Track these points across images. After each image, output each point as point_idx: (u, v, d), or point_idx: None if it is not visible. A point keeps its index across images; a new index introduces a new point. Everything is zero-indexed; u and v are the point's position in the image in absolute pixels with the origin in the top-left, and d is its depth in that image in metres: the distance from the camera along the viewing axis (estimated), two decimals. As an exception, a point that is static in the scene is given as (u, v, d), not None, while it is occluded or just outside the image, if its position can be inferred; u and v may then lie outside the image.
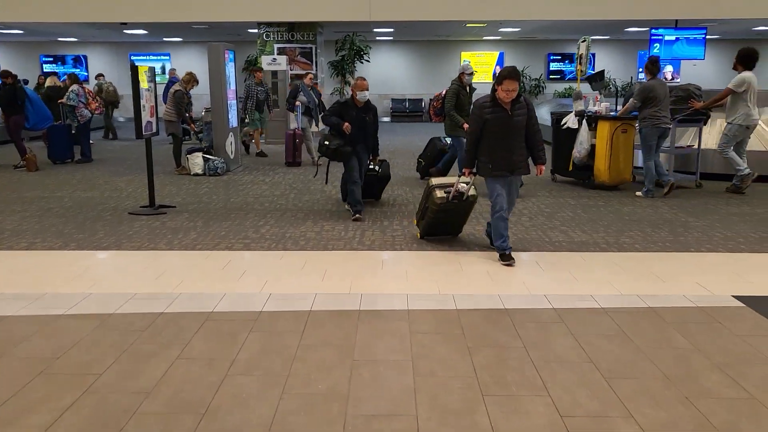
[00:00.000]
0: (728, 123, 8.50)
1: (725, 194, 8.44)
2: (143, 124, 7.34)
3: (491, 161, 5.16)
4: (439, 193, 5.65)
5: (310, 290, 4.61)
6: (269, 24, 15.76)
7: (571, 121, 9.05)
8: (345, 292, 4.56)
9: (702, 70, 21.76)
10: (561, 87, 23.60)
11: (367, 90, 7.04)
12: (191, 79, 10.64)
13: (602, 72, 10.16)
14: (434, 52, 22.76)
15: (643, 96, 8.15)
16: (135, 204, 7.88)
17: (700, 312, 4.11)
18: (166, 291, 4.61)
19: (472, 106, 5.34)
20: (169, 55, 23.39)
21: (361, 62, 17.15)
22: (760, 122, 9.15)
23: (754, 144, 9.54)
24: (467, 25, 17.02)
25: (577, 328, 3.85)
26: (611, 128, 8.59)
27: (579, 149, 8.80)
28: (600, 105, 9.21)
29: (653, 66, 8.45)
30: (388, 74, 22.52)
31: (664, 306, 4.20)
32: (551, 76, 23.69)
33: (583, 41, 10.68)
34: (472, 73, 8.68)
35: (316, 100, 11.51)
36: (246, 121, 12.69)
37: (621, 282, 4.72)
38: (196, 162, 10.14)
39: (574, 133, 8.97)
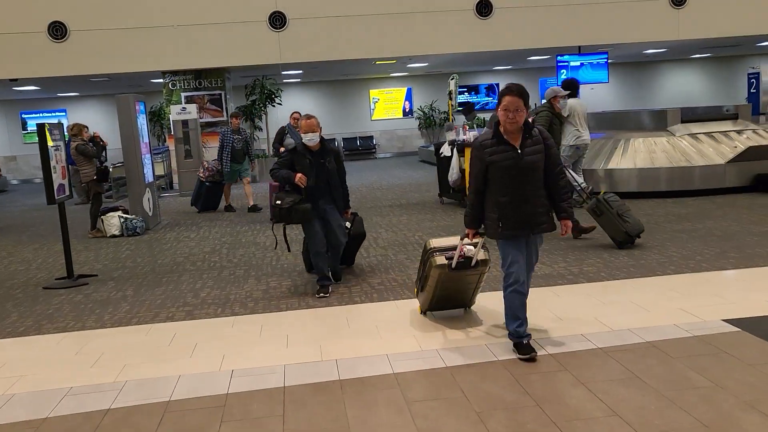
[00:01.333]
0: (562, 146, 8.60)
1: (663, 212, 8.53)
2: (55, 186, 6.60)
3: (501, 217, 3.87)
4: (440, 259, 4.37)
5: (277, 361, 4.09)
6: (175, 72, 15.09)
7: (446, 149, 10.21)
8: (317, 360, 4.08)
9: (600, 92, 22.66)
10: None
11: (316, 131, 5.48)
12: (81, 129, 9.96)
13: (472, 105, 10.99)
14: (343, 91, 22.64)
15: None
16: (49, 276, 7.05)
17: (700, 342, 3.90)
18: (107, 380, 3.97)
19: (472, 148, 4.04)
20: (65, 111, 22.08)
21: (273, 105, 16.71)
22: (654, 140, 10.01)
23: (642, 161, 9.87)
24: (376, 62, 16.97)
25: (584, 375, 3.54)
26: None
27: (452, 174, 9.81)
28: (468, 134, 10.07)
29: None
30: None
31: (662, 339, 3.97)
32: (458, 108, 24.09)
33: (452, 79, 12.50)
34: (565, 96, 7.69)
35: None
36: (224, 173, 11.24)
37: (606, 316, 4.48)
38: (113, 222, 9.33)
39: (450, 160, 9.98)
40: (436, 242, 4.55)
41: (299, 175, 5.40)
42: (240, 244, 8.20)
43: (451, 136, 10.29)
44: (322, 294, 5.53)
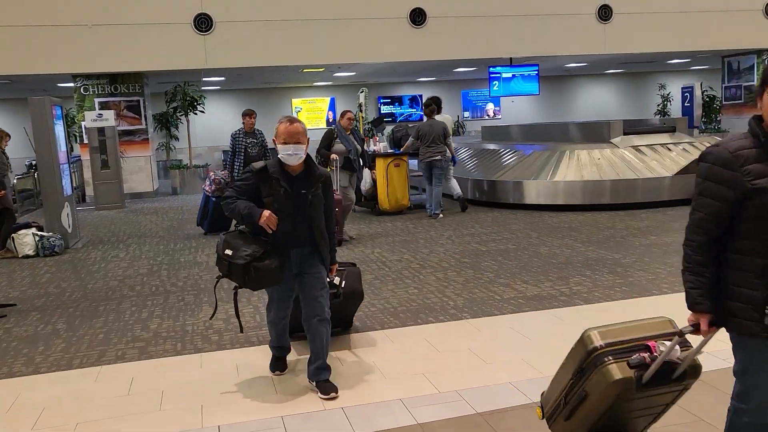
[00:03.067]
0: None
1: (622, 226, 8.38)
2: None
3: None
4: (619, 369, 2.44)
5: (271, 412, 3.44)
6: (87, 76, 13.88)
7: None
8: (319, 409, 3.45)
9: (522, 105, 22.95)
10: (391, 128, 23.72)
11: (302, 143, 3.53)
12: (3, 135, 8.83)
13: (382, 117, 11.24)
14: (265, 100, 21.78)
15: (414, 135, 10.06)
16: (-44, 308, 6.01)
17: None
18: (60, 445, 3.20)
19: (700, 162, 2.27)
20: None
21: (195, 113, 15.73)
22: (600, 153, 10.24)
23: (590, 173, 9.85)
24: (304, 70, 16.35)
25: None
26: (385, 164, 10.11)
27: (364, 183, 10.16)
28: (378, 145, 10.51)
29: (428, 108, 10.11)
30: (218, 125, 21.15)
31: (705, 371, 3.61)
32: (368, 120, 23.73)
33: (361, 92, 13.04)
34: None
35: (359, 148, 8.46)
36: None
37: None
38: (26, 241, 8.25)
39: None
40: (602, 335, 2.54)
41: (267, 212, 3.45)
42: (180, 264, 7.37)
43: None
44: (277, 373, 3.94)
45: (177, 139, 17.99)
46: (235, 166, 9.03)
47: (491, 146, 12.78)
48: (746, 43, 16.68)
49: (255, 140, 9.15)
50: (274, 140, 3.54)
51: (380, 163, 10.17)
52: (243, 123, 9.23)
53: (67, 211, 8.79)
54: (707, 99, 20.72)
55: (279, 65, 14.29)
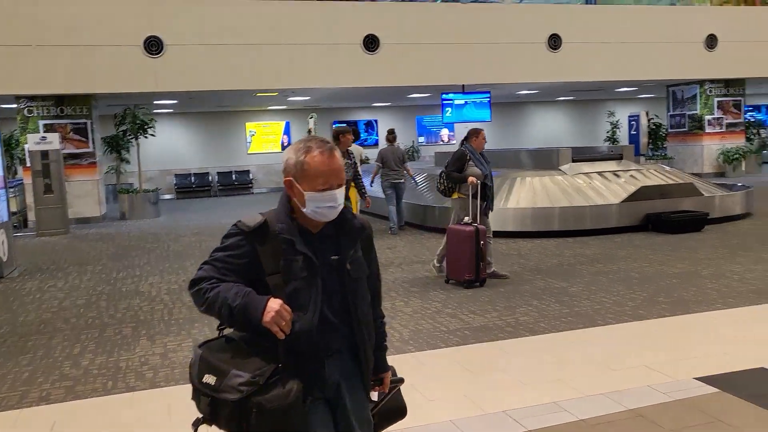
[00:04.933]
0: None
1: (570, 253, 8.43)
2: None
3: None
4: None
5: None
6: (32, 98, 13.49)
7: None
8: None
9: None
10: (350, 153, 23.70)
11: (343, 183, 2.12)
12: None
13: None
14: (218, 124, 21.56)
15: (378, 160, 11.07)
16: None
17: (686, 407, 3.55)
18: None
19: None
20: None
21: (146, 136, 15.41)
22: (550, 180, 10.41)
23: (541, 200, 9.94)
24: (257, 94, 16.23)
25: (580, 458, 3.06)
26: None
27: None
28: None
29: (389, 135, 11.40)
30: (170, 149, 20.80)
31: (644, 406, 3.58)
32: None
33: (311, 117, 13.61)
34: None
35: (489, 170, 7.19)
36: None
37: (572, 378, 4.05)
38: (-44, 271, 7.87)
39: None
40: None
41: (276, 302, 1.98)
42: (121, 295, 7.11)
43: None
44: None
45: (128, 162, 17.60)
46: None
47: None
48: (689, 74, 17.23)
49: (349, 161, 7.79)
50: (290, 182, 2.06)
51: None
52: (339, 142, 7.75)
53: (2, 237, 8.43)
54: (654, 127, 21.31)
55: (231, 89, 14.17)
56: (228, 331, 2.10)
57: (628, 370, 4.15)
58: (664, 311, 5.51)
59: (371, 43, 14.39)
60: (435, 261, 7.44)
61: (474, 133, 7.25)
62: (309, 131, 12.74)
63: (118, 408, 3.97)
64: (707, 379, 3.89)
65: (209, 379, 2.01)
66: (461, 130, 23.40)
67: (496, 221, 10.20)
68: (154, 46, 12.90)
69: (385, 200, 11.17)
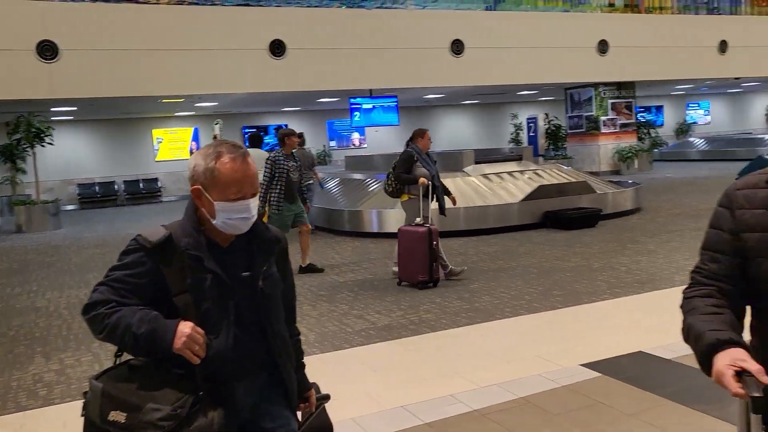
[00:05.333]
0: None
1: (474, 251, 8.72)
2: None
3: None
4: None
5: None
6: None
7: None
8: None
9: (384, 134, 23.43)
10: (260, 159, 23.51)
11: (257, 191, 1.99)
12: None
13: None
14: (123, 131, 20.87)
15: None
16: None
17: (571, 393, 3.79)
18: None
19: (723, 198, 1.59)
20: None
21: (42, 145, 14.73)
22: (452, 181, 10.37)
23: (445, 202, 10.28)
24: (162, 100, 15.85)
25: (472, 445, 3.22)
26: None
27: None
28: None
29: (298, 138, 9.18)
30: (71, 157, 19.97)
31: (534, 393, 3.80)
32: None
33: (216, 123, 13.60)
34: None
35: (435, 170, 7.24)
36: (273, 216, 7.44)
37: (468, 371, 4.23)
38: None
39: None
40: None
41: (187, 326, 1.79)
42: (14, 311, 6.81)
43: None
44: None
45: (24, 172, 16.80)
46: (275, 193, 7.41)
47: (355, 176, 12.96)
48: (584, 77, 18.14)
49: (294, 163, 7.64)
50: (198, 191, 1.87)
51: None
52: (284, 144, 7.64)
53: None
54: (554, 128, 22.26)
55: (132, 95, 13.77)
56: (127, 355, 1.88)
57: (521, 361, 4.37)
58: (557, 303, 5.82)
59: (277, 48, 14.34)
60: (392, 264, 7.35)
61: (419, 134, 7.16)
62: (214, 137, 12.58)
63: (6, 430, 3.84)
64: (592, 365, 4.17)
65: (118, 416, 1.75)
66: (372, 134, 23.77)
67: (401, 222, 10.45)
68: (48, 50, 12.37)
69: None
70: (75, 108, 16.52)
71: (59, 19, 12.53)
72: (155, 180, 20.91)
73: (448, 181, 10.72)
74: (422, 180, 6.84)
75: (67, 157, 19.71)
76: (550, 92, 22.24)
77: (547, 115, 22.90)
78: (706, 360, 1.40)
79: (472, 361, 4.44)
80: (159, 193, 20.80)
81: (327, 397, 2.26)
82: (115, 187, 20.39)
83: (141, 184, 20.65)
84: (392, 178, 7.05)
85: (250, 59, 14.09)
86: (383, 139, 23.53)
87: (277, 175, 7.38)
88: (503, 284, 6.69)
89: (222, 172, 1.85)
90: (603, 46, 17.83)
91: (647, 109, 28.80)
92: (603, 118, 19.31)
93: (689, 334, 1.46)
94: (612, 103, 19.48)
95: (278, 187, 7.39)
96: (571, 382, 3.92)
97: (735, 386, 1.29)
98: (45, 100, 13.30)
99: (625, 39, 17.96)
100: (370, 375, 4.36)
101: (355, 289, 6.87)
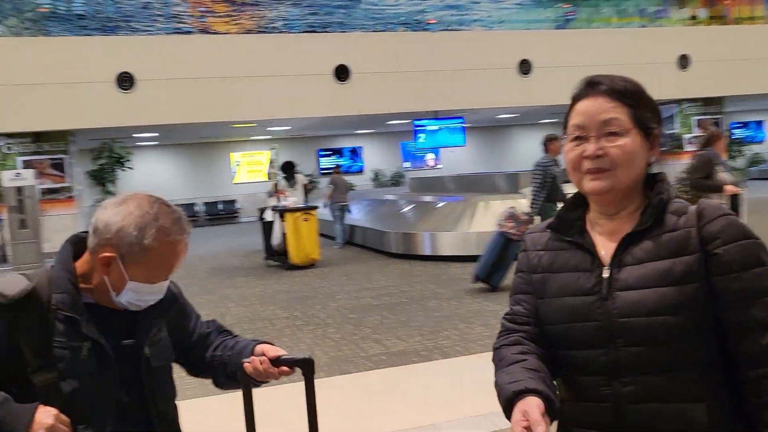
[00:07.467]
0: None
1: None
2: None
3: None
4: None
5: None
6: (10, 135, 13.80)
7: (268, 214, 10.91)
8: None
9: (458, 155, 23.39)
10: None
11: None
12: None
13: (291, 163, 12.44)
14: (203, 154, 21.91)
15: (331, 182, 13.04)
16: None
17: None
18: None
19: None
20: None
21: (123, 170, 15.72)
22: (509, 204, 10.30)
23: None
24: (234, 125, 16.54)
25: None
26: (294, 218, 10.35)
27: (275, 238, 10.43)
28: (288, 199, 10.99)
29: (336, 168, 12.95)
30: (155, 180, 21.11)
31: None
32: (323, 171, 23.84)
33: (272, 149, 14.86)
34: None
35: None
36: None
37: (455, 402, 4.18)
38: None
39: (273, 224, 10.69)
40: None
41: (48, 417, 1.36)
42: None
43: (272, 201, 11.25)
44: None
45: (113, 195, 17.91)
46: (540, 196, 7.43)
47: (421, 197, 13.05)
48: (664, 94, 17.45)
49: (558, 167, 7.50)
50: (110, 260, 1.48)
51: (289, 218, 10.44)
52: (548, 150, 7.73)
53: (-37, 274, 8.63)
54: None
55: (203, 122, 14.45)
56: None
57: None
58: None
59: (342, 72, 14.67)
60: None
61: (716, 136, 6.27)
62: (271, 162, 13.13)
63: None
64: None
65: None
66: (447, 154, 23.73)
67: (458, 245, 10.38)
68: (125, 81, 13.21)
69: (333, 221, 13.07)
70: (156, 134, 17.51)
71: (136, 52, 13.37)
72: (233, 201, 21.74)
73: (506, 203, 10.61)
74: (731, 188, 5.85)
75: (152, 179, 20.84)
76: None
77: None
78: (507, 415, 1.36)
79: (460, 392, 4.36)
80: (237, 214, 21.61)
81: (306, 362, 1.62)
82: (195, 208, 21.35)
83: (220, 206, 21.52)
84: (690, 185, 6.01)
85: (316, 84, 14.48)
86: (458, 160, 23.46)
87: (548, 180, 7.39)
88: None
89: (159, 255, 1.47)
90: (684, 61, 17.13)
91: (745, 125, 27.29)
92: (687, 135, 18.48)
93: (497, 392, 1.41)
94: (697, 120, 18.62)
95: (545, 191, 7.40)
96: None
97: None
98: (125, 128, 14.19)
99: (708, 52, 17.17)
100: (356, 403, 4.37)
101: (384, 313, 6.91)
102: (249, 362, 1.60)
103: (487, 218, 10.35)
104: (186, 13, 13.97)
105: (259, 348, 1.66)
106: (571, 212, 1.47)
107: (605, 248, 1.41)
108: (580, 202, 1.47)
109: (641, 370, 1.34)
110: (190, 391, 4.09)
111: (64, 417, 1.37)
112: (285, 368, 1.60)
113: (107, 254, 1.46)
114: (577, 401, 1.42)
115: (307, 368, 1.60)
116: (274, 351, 1.63)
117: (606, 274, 1.37)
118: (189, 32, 13.92)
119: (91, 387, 1.46)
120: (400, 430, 3.78)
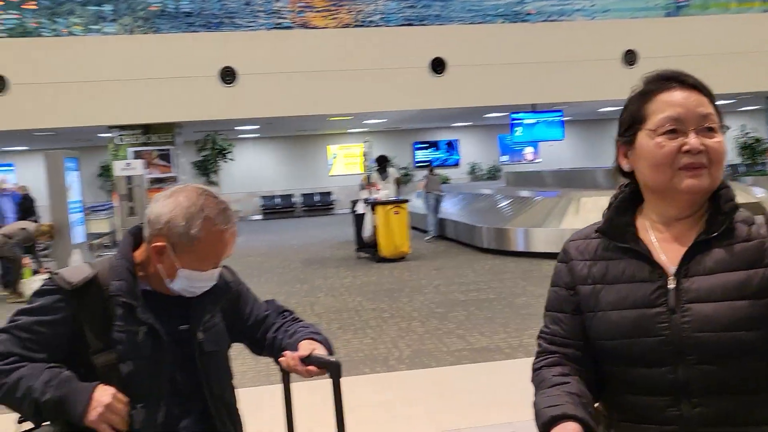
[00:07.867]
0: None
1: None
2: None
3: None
4: None
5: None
6: (122, 127, 14.66)
7: (359, 207, 11.06)
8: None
9: (558, 149, 22.75)
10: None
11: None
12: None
13: (385, 157, 12.66)
14: (301, 147, 22.43)
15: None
16: None
17: None
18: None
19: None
20: (12, 165, 21.41)
21: (225, 161, 16.36)
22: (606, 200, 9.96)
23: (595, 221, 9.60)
24: (330, 119, 16.81)
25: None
26: (385, 211, 10.39)
27: (366, 230, 10.51)
28: (380, 192, 11.07)
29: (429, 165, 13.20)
30: (255, 171, 21.86)
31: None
32: (418, 164, 23.81)
33: (365, 141, 14.27)
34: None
35: None
36: None
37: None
38: (34, 287, 8.69)
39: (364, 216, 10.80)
40: None
41: (107, 391, 1.48)
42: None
43: (364, 194, 11.40)
44: None
45: (217, 185, 18.69)
46: None
47: (516, 192, 12.80)
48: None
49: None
50: (162, 250, 1.56)
51: (380, 211, 10.54)
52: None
53: (77, 257, 9.24)
54: (753, 141, 20.16)
55: (301, 115, 14.77)
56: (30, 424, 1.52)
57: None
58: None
59: (438, 65, 14.57)
60: None
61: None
62: (364, 155, 13.21)
63: None
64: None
65: None
66: (546, 147, 23.10)
67: (552, 242, 10.08)
68: (228, 76, 13.70)
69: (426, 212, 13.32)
70: (257, 126, 18.08)
71: (238, 47, 13.83)
72: (329, 193, 22.13)
73: (603, 200, 10.20)
74: None
75: (253, 171, 21.57)
76: (749, 101, 20.14)
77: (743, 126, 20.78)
78: None
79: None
80: (332, 206, 22.00)
81: (333, 365, 1.62)
82: (293, 199, 21.91)
83: (316, 197, 21.97)
84: None
85: (412, 77, 14.46)
86: (557, 153, 22.83)
87: None
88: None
89: (207, 243, 1.54)
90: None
91: None
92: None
93: (535, 414, 1.33)
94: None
95: None
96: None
97: None
98: (227, 121, 14.74)
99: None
100: (433, 397, 4.30)
101: (471, 308, 6.79)
102: (284, 356, 1.66)
103: (583, 214, 9.99)
104: (286, 9, 14.29)
105: (301, 344, 1.68)
106: (621, 216, 1.37)
107: (666, 256, 1.31)
108: (628, 205, 1.37)
109: (713, 390, 1.24)
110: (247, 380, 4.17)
111: (121, 396, 1.48)
112: (312, 368, 1.63)
113: (159, 244, 1.56)
114: (632, 423, 1.32)
115: (334, 371, 1.61)
116: (306, 348, 1.65)
117: (672, 284, 1.27)
118: (288, 27, 14.23)
119: (147, 369, 1.56)
120: (475, 426, 3.68)
